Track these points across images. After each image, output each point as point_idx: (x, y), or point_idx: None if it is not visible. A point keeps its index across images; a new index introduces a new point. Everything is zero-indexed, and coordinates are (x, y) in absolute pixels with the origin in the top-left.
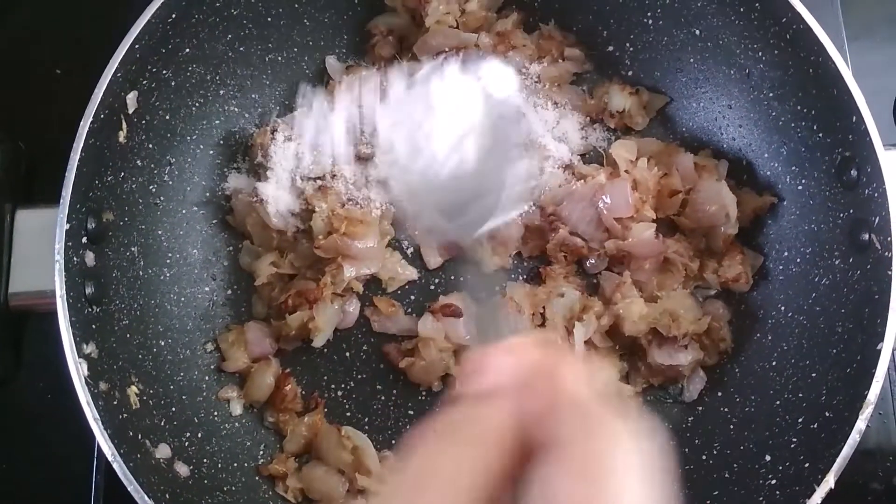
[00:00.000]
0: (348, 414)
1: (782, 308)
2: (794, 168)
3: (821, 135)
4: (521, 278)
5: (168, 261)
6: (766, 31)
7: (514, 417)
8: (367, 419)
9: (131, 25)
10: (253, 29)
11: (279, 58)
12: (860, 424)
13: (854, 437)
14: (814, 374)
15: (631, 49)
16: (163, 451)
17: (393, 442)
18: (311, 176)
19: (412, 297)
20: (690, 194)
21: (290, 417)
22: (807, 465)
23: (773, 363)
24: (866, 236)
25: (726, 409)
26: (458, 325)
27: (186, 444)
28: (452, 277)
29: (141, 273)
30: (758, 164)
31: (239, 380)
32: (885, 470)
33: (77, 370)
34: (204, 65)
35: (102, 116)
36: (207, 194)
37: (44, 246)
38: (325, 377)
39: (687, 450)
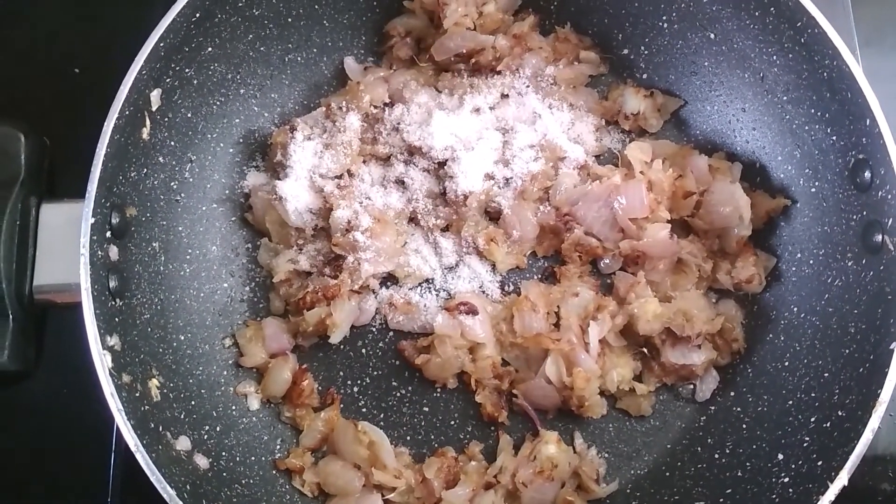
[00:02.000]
0: (364, 409)
1: (795, 309)
2: (807, 170)
3: (834, 137)
4: (535, 277)
5: (188, 257)
6: (780, 34)
7: None
8: (382, 415)
9: (152, 25)
10: (274, 29)
11: (299, 58)
12: (874, 423)
13: (867, 436)
14: (826, 374)
15: (646, 52)
16: (183, 444)
17: (408, 438)
18: (330, 174)
19: (428, 295)
20: (704, 196)
21: (306, 412)
22: (820, 463)
23: (786, 363)
24: (879, 238)
25: (739, 409)
26: (474, 323)
27: (206, 437)
28: (468, 275)
29: (162, 268)
30: (771, 167)
31: (256, 375)
32: (895, 471)
33: (101, 362)
34: (225, 64)
35: (127, 113)
36: (227, 192)
37: (68, 240)
38: (342, 373)
39: (700, 449)
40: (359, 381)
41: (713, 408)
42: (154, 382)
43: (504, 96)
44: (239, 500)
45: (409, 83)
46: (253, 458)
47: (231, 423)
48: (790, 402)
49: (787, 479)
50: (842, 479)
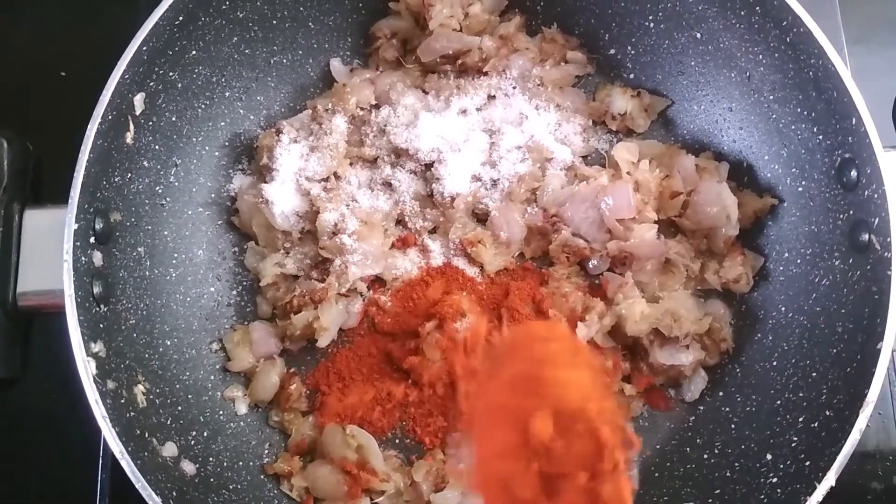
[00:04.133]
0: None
1: (783, 308)
2: (794, 170)
3: (821, 137)
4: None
5: (174, 261)
6: (766, 34)
7: None
8: (371, 418)
9: (136, 28)
10: (258, 32)
11: (284, 60)
12: (861, 423)
13: (855, 436)
14: (814, 374)
15: (632, 52)
16: (169, 450)
17: (397, 441)
18: (316, 177)
19: (415, 297)
20: (691, 196)
21: (294, 416)
22: (808, 463)
23: (774, 363)
24: (866, 237)
25: (727, 409)
26: (461, 324)
27: (192, 442)
28: (456, 277)
29: (147, 273)
30: (758, 166)
31: (244, 379)
32: (884, 469)
33: (85, 369)
34: (210, 67)
35: (110, 118)
36: (213, 195)
37: (52, 246)
38: (330, 376)
39: (688, 449)
40: (347, 384)
41: (702, 408)
42: (140, 388)
43: (491, 97)
44: None
45: (395, 85)
46: (241, 464)
47: (218, 429)
48: (778, 402)
49: (775, 480)
50: (829, 480)
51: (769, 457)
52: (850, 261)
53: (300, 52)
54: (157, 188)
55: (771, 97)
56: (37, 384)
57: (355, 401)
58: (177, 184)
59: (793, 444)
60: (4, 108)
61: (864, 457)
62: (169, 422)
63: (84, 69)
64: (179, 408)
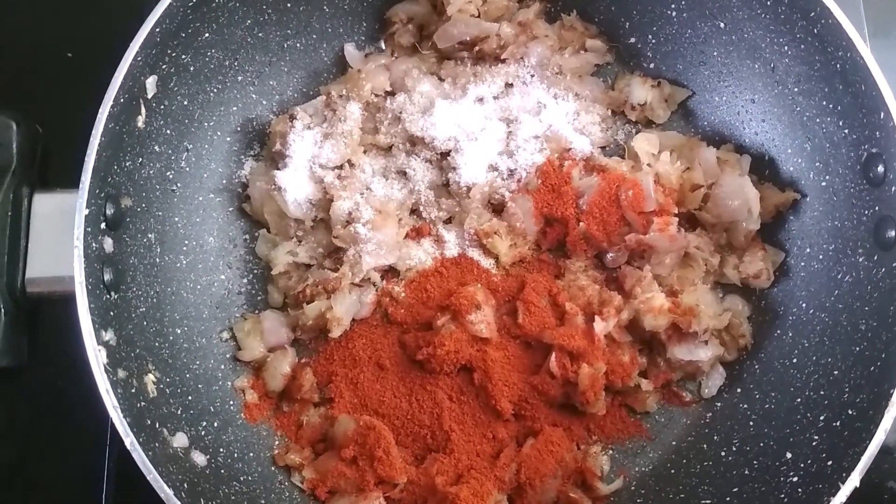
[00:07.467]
0: (365, 404)
1: (803, 305)
2: (818, 164)
3: (846, 130)
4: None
5: (184, 248)
6: (792, 25)
7: None
8: (384, 409)
9: (147, 9)
10: (272, 14)
11: (298, 44)
12: (886, 423)
13: (879, 436)
14: (836, 372)
15: (653, 41)
16: (180, 440)
17: (410, 433)
18: (330, 165)
19: (430, 288)
20: (712, 189)
21: (306, 407)
22: (830, 462)
23: (794, 360)
24: (892, 234)
25: (746, 406)
26: (476, 316)
27: (203, 433)
28: (470, 268)
29: (158, 260)
30: (781, 160)
31: (255, 369)
32: None
33: (96, 357)
34: (223, 50)
35: (122, 101)
36: (224, 181)
37: (61, 231)
38: (342, 367)
39: (706, 446)
40: (360, 376)
41: (719, 404)
42: (150, 378)
43: (508, 85)
44: (237, 498)
45: (410, 71)
46: (251, 455)
47: (229, 419)
48: (798, 400)
49: (796, 479)
50: (853, 481)
51: (789, 455)
52: (875, 258)
53: (314, 37)
54: (168, 173)
55: (795, 89)
56: (43, 373)
57: (368, 392)
58: (188, 169)
59: (814, 443)
60: (12, 90)
61: (881, 455)
62: (179, 412)
63: (91, 50)
64: (190, 398)
